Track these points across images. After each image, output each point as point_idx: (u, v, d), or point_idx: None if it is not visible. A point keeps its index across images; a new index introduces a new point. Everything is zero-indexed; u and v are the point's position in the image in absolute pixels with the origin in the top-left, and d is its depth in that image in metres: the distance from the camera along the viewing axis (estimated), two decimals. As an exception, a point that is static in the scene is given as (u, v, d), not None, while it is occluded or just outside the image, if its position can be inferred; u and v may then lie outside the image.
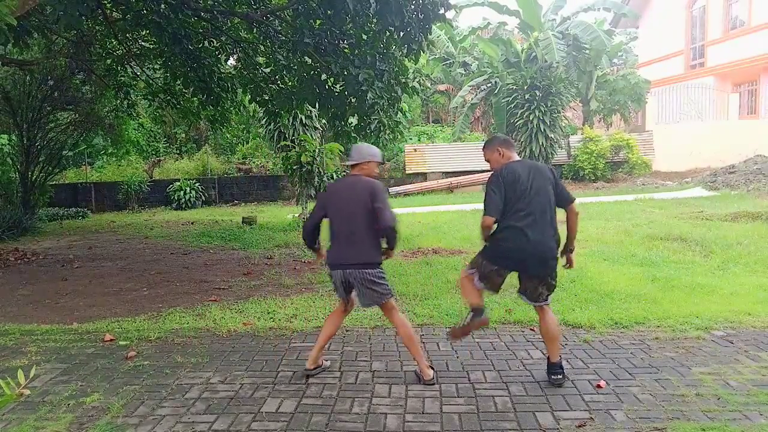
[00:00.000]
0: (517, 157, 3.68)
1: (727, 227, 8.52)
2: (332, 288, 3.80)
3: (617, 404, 3.23)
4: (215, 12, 7.52)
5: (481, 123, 22.58)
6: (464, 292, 3.67)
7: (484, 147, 3.73)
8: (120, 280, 6.90)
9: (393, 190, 17.30)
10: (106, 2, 7.30)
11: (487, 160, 3.71)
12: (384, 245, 3.63)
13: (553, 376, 3.51)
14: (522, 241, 3.39)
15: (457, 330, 3.62)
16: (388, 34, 6.60)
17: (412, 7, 6.31)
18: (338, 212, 3.61)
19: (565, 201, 3.55)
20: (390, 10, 5.92)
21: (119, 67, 9.76)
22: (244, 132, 20.38)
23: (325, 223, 3.72)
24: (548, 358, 3.57)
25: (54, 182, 14.09)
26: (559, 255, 3.56)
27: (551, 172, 3.59)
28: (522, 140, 16.97)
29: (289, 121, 12.43)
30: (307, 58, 6.85)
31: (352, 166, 3.76)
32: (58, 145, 12.53)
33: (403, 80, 7.43)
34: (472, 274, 3.59)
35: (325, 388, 3.56)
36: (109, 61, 9.63)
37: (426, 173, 18.18)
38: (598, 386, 3.46)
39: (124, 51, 9.45)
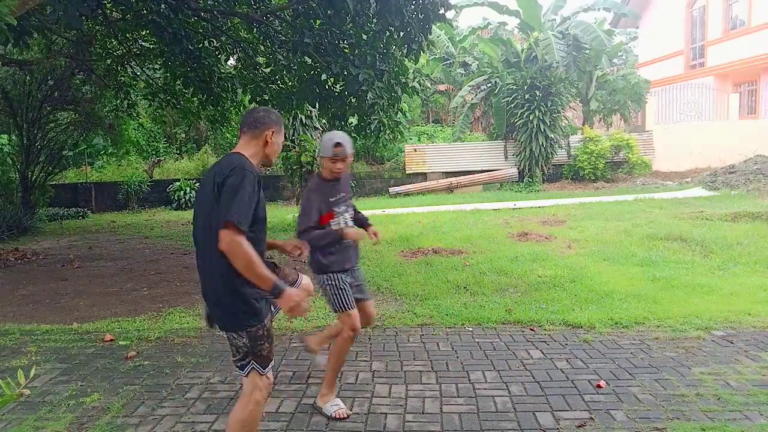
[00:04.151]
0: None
1: (727, 227, 8.52)
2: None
3: (617, 404, 3.23)
4: (215, 12, 7.53)
5: (481, 123, 22.56)
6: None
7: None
8: (120, 280, 6.90)
9: (393, 190, 17.30)
10: (106, 2, 7.31)
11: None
12: None
13: None
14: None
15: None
16: (388, 34, 6.62)
17: (412, 7, 6.32)
18: None
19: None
20: (390, 10, 5.94)
21: (119, 67, 9.77)
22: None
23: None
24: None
25: (54, 182, 14.06)
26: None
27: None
28: (522, 140, 16.97)
29: (289, 121, 12.47)
30: (307, 58, 6.86)
31: None
32: (58, 145, 12.52)
33: (403, 80, 7.45)
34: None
35: (325, 388, 3.56)
36: (109, 61, 9.64)
37: (426, 173, 18.16)
38: (598, 386, 3.47)
39: (124, 51, 9.46)
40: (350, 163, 3.33)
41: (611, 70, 21.46)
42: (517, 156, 17.60)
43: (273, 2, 7.86)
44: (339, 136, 3.24)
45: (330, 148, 3.19)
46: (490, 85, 18.91)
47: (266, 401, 2.55)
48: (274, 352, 2.55)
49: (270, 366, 2.48)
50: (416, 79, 8.67)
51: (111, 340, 4.57)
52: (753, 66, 18.08)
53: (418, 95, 9.40)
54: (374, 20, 6.54)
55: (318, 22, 6.55)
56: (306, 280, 2.85)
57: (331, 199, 3.27)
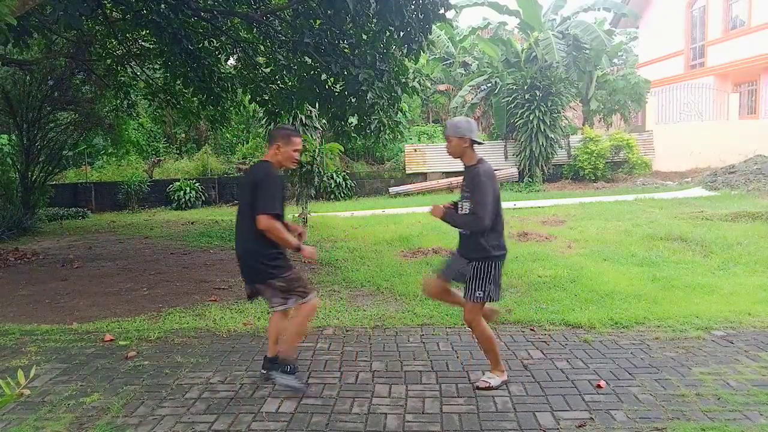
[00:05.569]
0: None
1: (727, 227, 8.52)
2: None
3: (617, 404, 3.23)
4: (215, 12, 7.52)
5: (481, 123, 22.55)
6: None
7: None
8: (120, 280, 6.90)
9: (393, 190, 17.30)
10: (106, 2, 7.31)
11: None
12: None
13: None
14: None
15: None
16: (388, 34, 6.60)
17: (412, 7, 6.31)
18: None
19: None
20: (390, 9, 5.93)
21: (119, 67, 9.77)
22: (244, 132, 20.37)
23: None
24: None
25: (54, 182, 14.06)
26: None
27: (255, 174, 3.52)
28: (522, 140, 16.99)
29: (289, 121, 12.45)
30: (307, 58, 6.85)
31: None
32: (58, 145, 12.51)
33: (403, 80, 7.43)
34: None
35: (325, 388, 3.56)
36: (109, 61, 9.63)
37: (426, 173, 18.17)
38: (598, 386, 3.47)
39: (124, 51, 9.46)
40: (456, 146, 3.50)
41: (611, 70, 21.47)
42: (517, 156, 17.60)
43: (273, 2, 7.85)
44: (449, 121, 3.67)
45: None
46: (490, 85, 18.91)
47: (313, 315, 3.78)
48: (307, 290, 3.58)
49: (310, 296, 3.56)
50: (416, 79, 8.65)
51: (111, 340, 4.57)
52: (753, 66, 18.08)
53: (418, 95, 9.39)
54: (374, 20, 6.53)
55: (318, 22, 6.54)
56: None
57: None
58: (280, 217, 3.44)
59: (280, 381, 3.53)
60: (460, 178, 13.81)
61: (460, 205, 3.55)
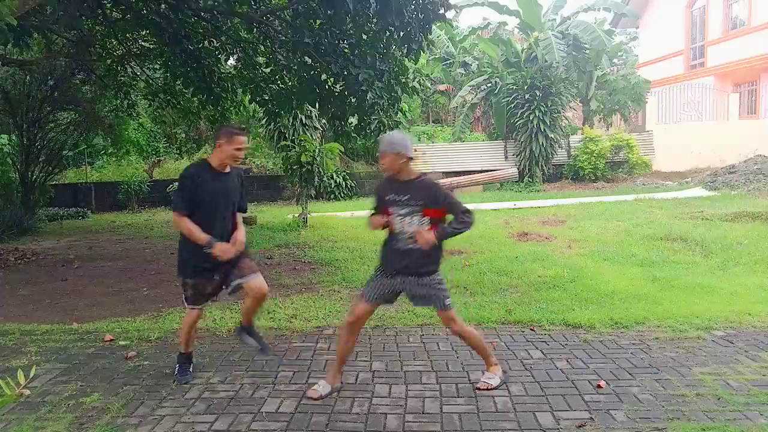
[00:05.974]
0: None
1: (727, 227, 8.52)
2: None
3: (617, 404, 3.23)
4: (215, 12, 7.52)
5: (481, 123, 22.56)
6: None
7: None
8: (120, 280, 6.90)
9: (393, 190, 17.28)
10: (106, 2, 7.31)
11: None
12: None
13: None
14: None
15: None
16: (388, 34, 6.61)
17: (412, 7, 6.32)
18: None
19: None
20: (390, 10, 5.93)
21: (119, 67, 9.77)
22: (244, 132, 20.38)
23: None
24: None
25: (54, 182, 14.04)
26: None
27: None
28: (522, 140, 16.98)
29: (289, 121, 12.46)
30: (307, 58, 6.86)
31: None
32: (58, 145, 12.51)
33: (403, 80, 7.44)
34: None
35: (325, 388, 3.55)
36: (109, 61, 9.64)
37: (426, 173, 18.13)
38: (598, 386, 3.47)
39: (124, 51, 9.46)
40: (392, 162, 3.36)
41: (611, 70, 21.46)
42: (517, 156, 17.59)
43: (273, 2, 7.85)
44: (384, 135, 3.56)
45: None
46: (490, 85, 18.91)
47: (190, 326, 3.75)
48: (206, 300, 3.80)
49: (192, 307, 3.71)
50: (416, 79, 8.64)
51: (111, 340, 4.57)
52: (753, 66, 18.07)
53: (418, 95, 9.40)
54: (374, 20, 6.53)
55: (318, 22, 6.55)
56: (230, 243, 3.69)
57: (387, 197, 3.43)
58: (193, 215, 3.59)
59: (176, 370, 3.77)
60: (460, 178, 13.89)
61: (404, 219, 3.36)
